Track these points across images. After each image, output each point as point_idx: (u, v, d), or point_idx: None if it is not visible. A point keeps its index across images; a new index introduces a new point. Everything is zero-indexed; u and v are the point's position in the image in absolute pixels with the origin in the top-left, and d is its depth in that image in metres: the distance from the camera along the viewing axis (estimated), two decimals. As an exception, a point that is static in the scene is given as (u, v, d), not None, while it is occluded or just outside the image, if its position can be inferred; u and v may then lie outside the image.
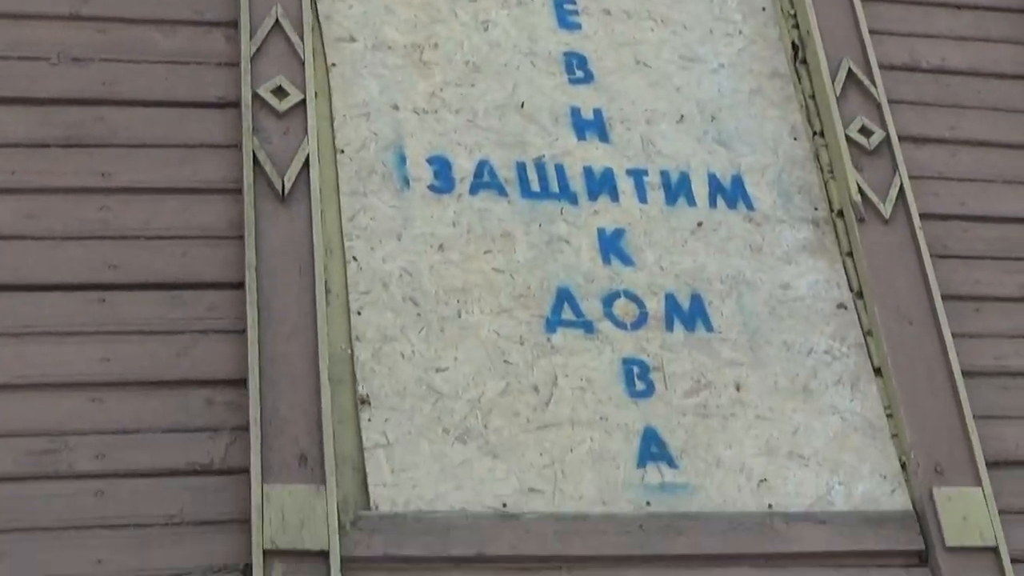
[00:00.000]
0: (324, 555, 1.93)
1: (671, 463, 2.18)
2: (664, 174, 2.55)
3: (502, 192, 2.48)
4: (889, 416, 2.36)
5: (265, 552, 1.91)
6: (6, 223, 2.24)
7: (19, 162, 2.30)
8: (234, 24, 2.56)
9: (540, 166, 2.50)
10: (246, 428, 2.06)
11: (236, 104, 2.45)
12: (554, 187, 2.49)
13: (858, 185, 2.60)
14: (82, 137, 2.38)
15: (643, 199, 2.50)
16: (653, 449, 2.19)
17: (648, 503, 2.13)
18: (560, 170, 2.51)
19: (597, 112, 2.62)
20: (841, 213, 2.63)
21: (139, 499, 2.00)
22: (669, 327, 2.34)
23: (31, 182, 2.28)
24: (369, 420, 2.13)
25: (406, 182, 2.44)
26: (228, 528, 2.00)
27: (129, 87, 2.49)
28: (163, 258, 2.24)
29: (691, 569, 2.12)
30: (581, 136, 2.57)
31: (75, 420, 2.06)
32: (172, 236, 2.28)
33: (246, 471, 2.01)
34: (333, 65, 2.56)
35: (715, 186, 2.57)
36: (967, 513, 2.21)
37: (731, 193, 2.56)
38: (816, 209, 2.63)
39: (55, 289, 2.18)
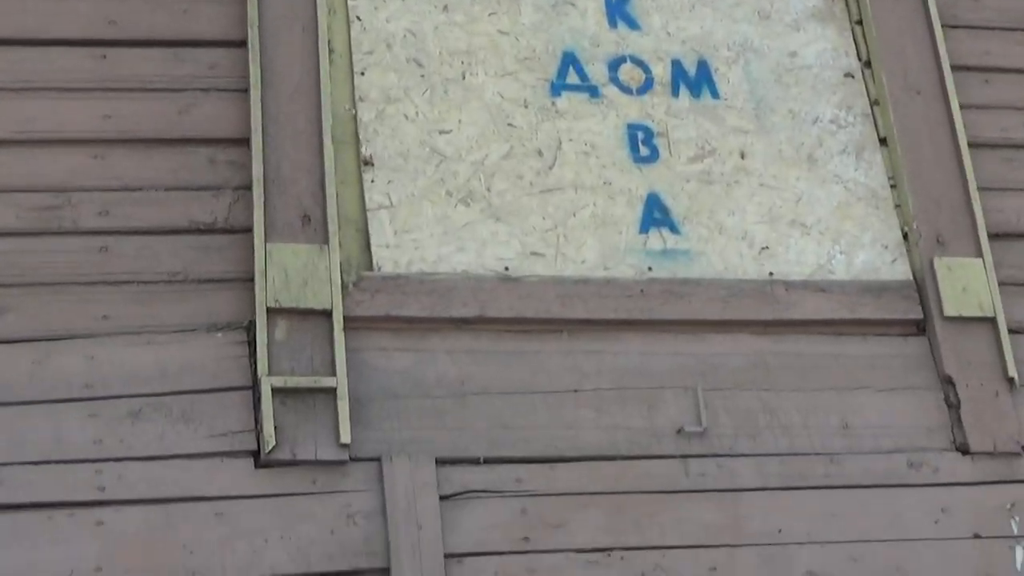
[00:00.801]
0: (327, 314, 1.87)
1: (673, 229, 2.09)
2: (674, -71, 2.39)
3: None
4: (893, 186, 2.25)
5: (268, 310, 1.85)
6: None
7: None
8: None
9: None
10: (249, 187, 1.96)
11: None
12: (563, -58, 2.33)
13: (868, -50, 2.41)
14: None
15: (652, -41, 2.34)
16: (656, 214, 2.10)
17: (650, 268, 2.05)
18: (568, -79, 2.35)
19: None
20: (852, -22, 2.47)
21: (143, 256, 1.92)
22: (675, 93, 2.22)
23: None
24: (372, 181, 2.03)
25: None
26: (231, 286, 1.93)
27: None
28: (164, 14, 2.09)
29: (691, 334, 2.05)
30: None
31: (78, 177, 1.96)
32: None
33: (249, 230, 1.93)
34: None
35: (729, -55, 2.42)
36: (967, 284, 2.13)
37: (745, -46, 2.41)
38: (826, -25, 2.48)
39: (56, 44, 2.04)
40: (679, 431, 1.93)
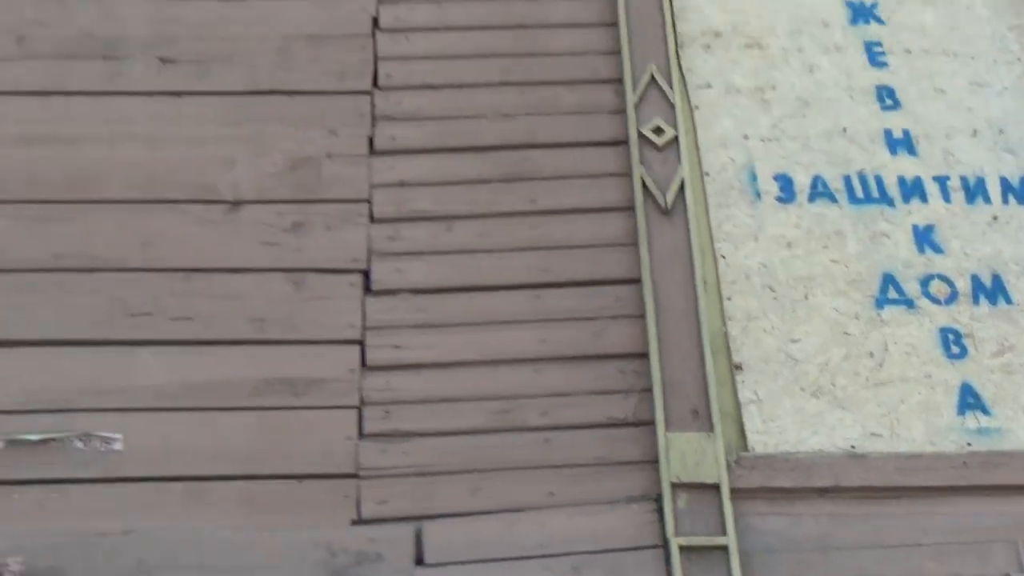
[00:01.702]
0: (716, 487, 2.29)
1: (985, 411, 2.47)
2: (963, 179, 2.82)
3: (833, 200, 2.77)
4: None
5: (672, 485, 2.29)
6: (465, 242, 2.68)
7: (471, 195, 2.74)
8: (620, 81, 2.91)
9: (863, 178, 2.80)
10: (650, 390, 2.44)
11: (625, 142, 2.80)
12: (875, 194, 2.79)
13: None
14: (514, 174, 2.79)
15: (947, 200, 2.78)
16: (969, 400, 2.49)
17: (969, 444, 2.43)
18: (879, 180, 2.81)
19: (906, 132, 2.90)
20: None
21: (575, 445, 2.41)
22: (976, 301, 2.63)
23: (480, 210, 2.72)
24: (743, 382, 2.49)
25: (758, 195, 2.77)
26: (642, 467, 2.38)
27: (546, 134, 2.88)
28: (580, 262, 2.65)
29: (1009, 497, 2.39)
30: (893, 152, 2.87)
31: (524, 387, 2.49)
32: (585, 245, 2.67)
33: (652, 423, 2.39)
34: (696, 107, 2.90)
35: (1006, 186, 2.83)
36: None
37: (1020, 191, 2.82)
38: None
39: (502, 289, 2.62)
40: (1006, 576, 2.32)
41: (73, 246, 2.63)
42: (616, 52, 2.98)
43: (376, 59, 3.02)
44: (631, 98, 2.83)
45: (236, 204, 2.71)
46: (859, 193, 2.81)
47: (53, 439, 2.36)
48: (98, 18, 2.99)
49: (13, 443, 2.33)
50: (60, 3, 3.02)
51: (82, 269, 2.61)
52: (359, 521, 2.29)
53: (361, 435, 2.42)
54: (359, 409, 2.45)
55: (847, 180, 2.83)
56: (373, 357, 2.51)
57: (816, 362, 2.52)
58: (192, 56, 2.96)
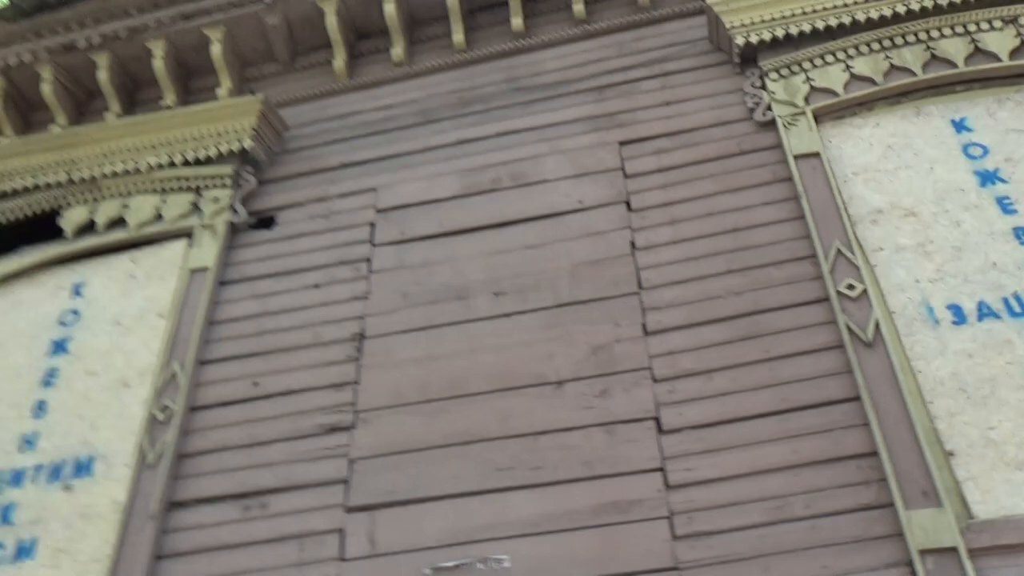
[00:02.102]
0: (954, 550, 2.81)
1: None
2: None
3: (998, 317, 3.39)
4: None
5: (919, 551, 2.83)
6: (723, 387, 3.45)
7: (721, 353, 3.55)
8: (813, 256, 3.73)
9: (1017, 297, 3.42)
10: (885, 479, 3.04)
11: (827, 299, 3.59)
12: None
13: None
14: (750, 334, 3.60)
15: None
16: None
17: None
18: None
19: (1052, 259, 3.50)
20: None
21: (835, 528, 3.03)
22: None
23: (729, 363, 3.51)
24: (957, 465, 3.04)
25: (937, 322, 3.44)
26: (890, 540, 2.95)
27: (767, 302, 3.67)
28: (811, 391, 3.37)
29: None
30: (1045, 272, 3.47)
31: (787, 488, 3.14)
32: (812, 377, 3.39)
33: (892, 505, 2.98)
34: (875, 266, 3.65)
35: None
36: None
37: None
38: None
39: (757, 418, 3.34)
40: None
41: (456, 427, 3.63)
42: (807, 237, 3.80)
43: (638, 270, 3.95)
44: (825, 267, 3.62)
45: (560, 383, 3.64)
46: (1016, 309, 3.39)
47: (463, 564, 3.25)
48: (451, 274, 4.15)
49: (437, 570, 3.26)
50: (427, 268, 4.21)
51: (463, 443, 3.58)
52: (682, 603, 3.02)
53: (674, 537, 3.14)
54: (669, 519, 3.19)
55: (1005, 301, 3.42)
56: (673, 479, 3.28)
57: (1013, 442, 3.05)
58: (515, 288, 4.01)
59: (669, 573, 3.09)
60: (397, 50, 5.26)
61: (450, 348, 3.88)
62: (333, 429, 3.76)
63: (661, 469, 3.32)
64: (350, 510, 3.51)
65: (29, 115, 5.71)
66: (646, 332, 3.73)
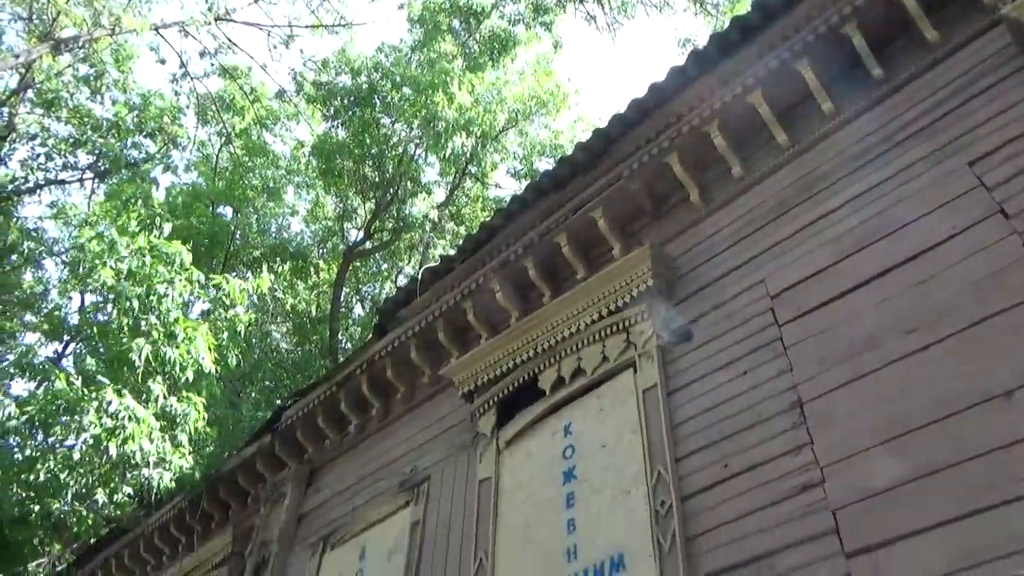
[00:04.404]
0: None
1: None
2: None
3: None
4: None
5: None
6: None
7: None
8: None
9: None
10: None
11: None
12: None
13: None
14: None
15: None
16: None
17: None
18: None
19: None
20: None
21: None
22: None
23: None
24: None
25: None
26: None
27: None
28: None
29: None
30: None
31: None
32: None
33: None
34: None
35: None
36: None
37: None
38: None
39: None
40: None
41: (919, 460, 3.52)
42: None
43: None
44: None
45: (1008, 393, 3.38)
46: None
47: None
48: (857, 328, 4.18)
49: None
50: (832, 331, 4.28)
51: (930, 472, 3.44)
52: None
53: None
54: None
55: None
56: None
57: None
58: (922, 323, 3.91)
59: None
60: (736, 169, 5.66)
61: (881, 392, 3.84)
62: (805, 487, 3.87)
63: None
64: (850, 556, 3.50)
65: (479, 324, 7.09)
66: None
